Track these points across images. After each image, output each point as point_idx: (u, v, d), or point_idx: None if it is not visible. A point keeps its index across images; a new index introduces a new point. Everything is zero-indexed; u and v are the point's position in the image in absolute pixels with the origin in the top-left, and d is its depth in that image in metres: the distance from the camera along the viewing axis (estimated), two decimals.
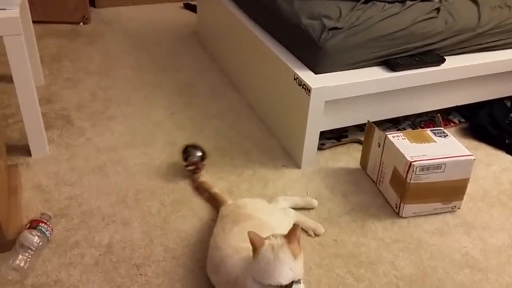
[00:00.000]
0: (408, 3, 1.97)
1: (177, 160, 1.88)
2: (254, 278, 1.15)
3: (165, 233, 1.56)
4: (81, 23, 3.03)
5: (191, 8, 3.32)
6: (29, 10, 2.19)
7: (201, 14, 2.87)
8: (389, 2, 1.97)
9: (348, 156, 1.98)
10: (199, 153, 1.77)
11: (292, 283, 1.13)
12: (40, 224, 1.46)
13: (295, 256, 1.14)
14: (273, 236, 1.17)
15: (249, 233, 1.15)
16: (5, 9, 1.58)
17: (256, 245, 1.15)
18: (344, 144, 2.05)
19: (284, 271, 1.12)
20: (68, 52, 2.69)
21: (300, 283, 1.16)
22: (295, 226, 1.17)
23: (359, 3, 1.93)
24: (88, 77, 2.45)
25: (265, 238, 1.16)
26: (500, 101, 2.23)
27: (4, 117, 2.08)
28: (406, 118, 2.18)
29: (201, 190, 1.72)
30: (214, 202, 1.65)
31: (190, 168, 1.76)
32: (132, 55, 2.70)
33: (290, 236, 1.16)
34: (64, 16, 3.00)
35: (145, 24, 3.11)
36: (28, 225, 1.46)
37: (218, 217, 1.52)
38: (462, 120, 2.23)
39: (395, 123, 2.17)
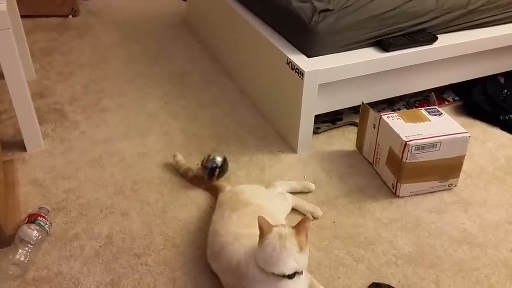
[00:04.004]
0: None
1: (173, 150, 1.88)
2: (257, 264, 1.15)
3: (164, 222, 1.56)
4: (70, 16, 3.00)
5: None
6: (16, 5, 2.16)
7: (190, 1, 2.84)
8: None
9: (343, 139, 1.98)
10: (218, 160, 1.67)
11: (295, 273, 1.13)
12: (39, 218, 1.46)
13: (301, 248, 1.13)
14: (282, 225, 1.17)
15: (259, 217, 1.15)
16: None
17: (264, 230, 1.14)
18: (339, 127, 2.05)
19: (289, 261, 1.12)
20: (58, 45, 2.67)
21: (302, 275, 1.16)
22: (304, 219, 1.16)
23: None
24: (80, 70, 2.43)
25: (274, 226, 1.16)
26: (493, 77, 2.23)
27: None
28: (400, 98, 2.18)
29: (197, 181, 1.71)
30: (213, 189, 1.65)
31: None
32: (122, 46, 2.68)
33: (299, 227, 1.15)
34: (52, 9, 2.97)
35: (134, 14, 3.08)
36: (27, 219, 1.46)
37: (216, 204, 1.53)
38: (456, 98, 2.23)
39: (390, 104, 2.17)
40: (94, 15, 3.06)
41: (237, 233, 1.31)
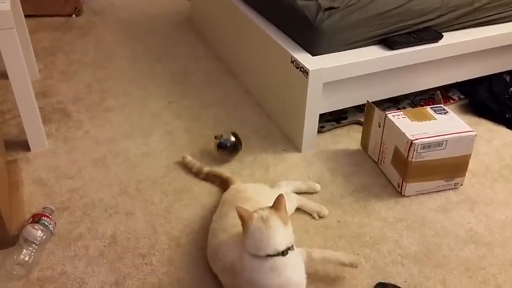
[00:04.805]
0: None
1: (177, 149, 1.87)
2: (250, 253, 1.16)
3: (168, 222, 1.56)
4: (74, 15, 3.00)
5: None
6: (20, 4, 2.16)
7: (194, 0, 2.84)
8: None
9: (348, 138, 1.97)
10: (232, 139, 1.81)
11: (287, 250, 1.15)
12: (43, 218, 1.46)
13: (285, 223, 1.16)
14: (260, 209, 1.18)
15: (236, 207, 1.16)
16: None
17: (245, 219, 1.16)
18: (344, 126, 2.04)
19: (278, 237, 1.14)
20: (62, 45, 2.67)
21: (294, 249, 1.18)
22: (279, 196, 1.19)
23: None
24: (83, 70, 2.43)
25: (253, 212, 1.17)
26: (499, 75, 2.21)
27: (1, 113, 2.06)
28: (405, 97, 2.17)
29: (211, 178, 1.71)
30: (224, 186, 1.64)
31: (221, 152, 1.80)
32: (126, 45, 2.68)
33: (277, 205, 1.18)
34: (56, 9, 2.97)
35: (137, 13, 3.08)
36: (31, 219, 1.46)
37: (219, 203, 1.52)
38: (462, 96, 2.22)
39: (395, 102, 2.16)
40: (97, 15, 3.06)
41: (233, 232, 1.30)
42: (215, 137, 1.80)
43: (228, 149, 1.78)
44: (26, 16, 2.22)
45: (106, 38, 2.76)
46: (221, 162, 1.80)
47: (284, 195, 1.56)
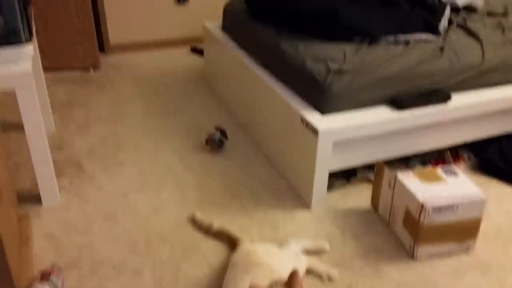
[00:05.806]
0: (412, 43, 2.00)
1: (187, 205, 1.88)
2: None
3: (176, 281, 1.54)
4: (91, 69, 3.09)
5: (198, 51, 3.38)
6: (39, 59, 2.24)
7: (208, 57, 2.92)
8: (393, 43, 2.00)
9: (358, 196, 1.97)
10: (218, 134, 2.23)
11: None
12: (51, 275, 1.46)
13: None
14: (274, 285, 1.15)
15: (250, 285, 1.14)
16: (17, 62, 1.62)
17: None
18: (354, 183, 2.04)
19: None
20: (78, 98, 2.74)
21: None
22: (294, 272, 1.15)
23: (363, 45, 1.96)
24: (99, 123, 2.48)
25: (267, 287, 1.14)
26: (509, 135, 2.22)
27: (15, 165, 2.10)
28: (415, 155, 2.17)
29: (220, 236, 1.71)
30: (231, 243, 1.64)
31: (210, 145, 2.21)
32: (141, 100, 2.74)
33: (291, 283, 1.14)
34: (73, 62, 3.06)
35: (154, 69, 3.17)
36: (40, 276, 1.45)
37: (229, 263, 1.51)
38: (472, 155, 2.22)
39: (405, 161, 2.16)
40: (114, 70, 3.15)
41: None
42: (206, 141, 2.24)
43: (216, 142, 2.22)
44: (44, 68, 2.29)
45: (122, 93, 2.83)
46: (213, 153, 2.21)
47: (293, 256, 1.56)
